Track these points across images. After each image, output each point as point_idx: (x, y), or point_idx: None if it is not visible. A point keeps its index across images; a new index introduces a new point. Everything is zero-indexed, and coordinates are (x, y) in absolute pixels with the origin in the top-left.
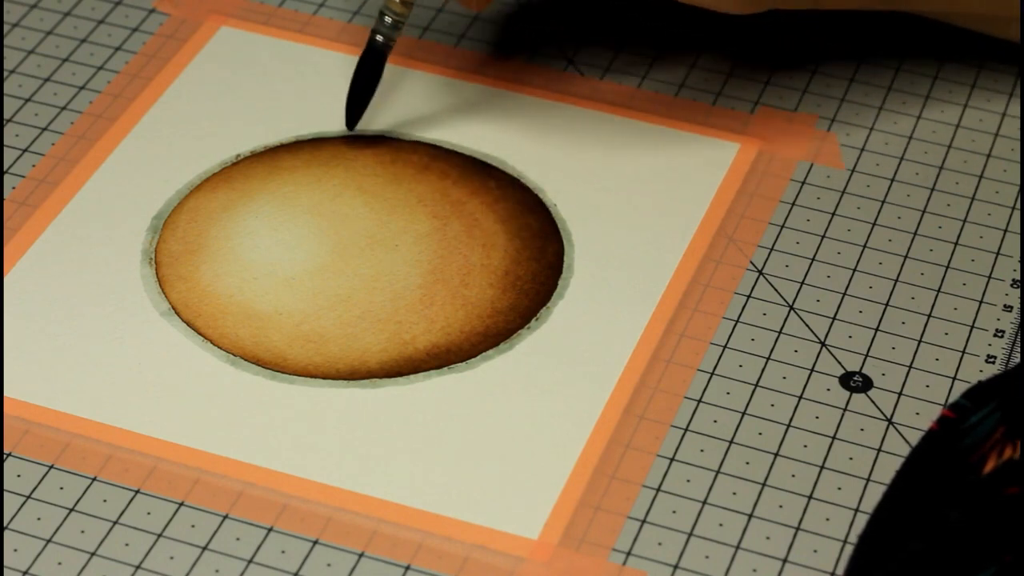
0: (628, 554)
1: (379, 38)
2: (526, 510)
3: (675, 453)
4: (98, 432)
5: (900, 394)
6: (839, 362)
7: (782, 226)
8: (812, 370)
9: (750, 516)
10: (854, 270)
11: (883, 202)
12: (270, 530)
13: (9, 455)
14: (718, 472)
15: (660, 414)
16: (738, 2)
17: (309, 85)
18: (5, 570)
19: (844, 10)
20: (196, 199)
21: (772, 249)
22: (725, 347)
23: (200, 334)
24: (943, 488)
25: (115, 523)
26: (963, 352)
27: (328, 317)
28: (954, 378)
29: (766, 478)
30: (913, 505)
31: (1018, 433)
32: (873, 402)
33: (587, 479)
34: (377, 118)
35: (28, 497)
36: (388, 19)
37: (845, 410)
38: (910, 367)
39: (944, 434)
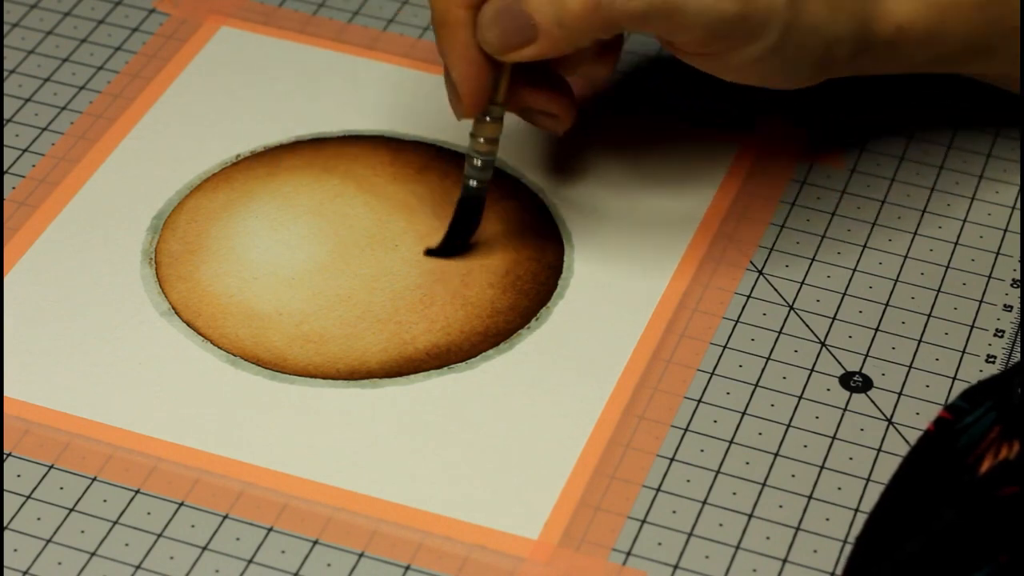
0: (628, 554)
1: (472, 183)
2: (526, 510)
3: (675, 453)
4: (98, 432)
5: (900, 394)
6: (839, 362)
7: (782, 226)
8: (812, 370)
9: (750, 516)
10: (854, 270)
11: (883, 202)
12: (270, 530)
13: (9, 455)
14: (718, 472)
15: (660, 414)
16: (797, 79)
17: (309, 85)
18: (5, 570)
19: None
20: (196, 199)
21: (772, 249)
22: (725, 347)
23: (200, 334)
24: (940, 488)
25: (115, 523)
26: (963, 352)
27: (328, 317)
28: (954, 378)
29: (766, 478)
30: (910, 505)
31: (1014, 433)
32: (873, 402)
33: (587, 479)
34: (377, 118)
35: (28, 497)
36: (477, 161)
37: (845, 410)
38: (910, 367)
39: (940, 435)
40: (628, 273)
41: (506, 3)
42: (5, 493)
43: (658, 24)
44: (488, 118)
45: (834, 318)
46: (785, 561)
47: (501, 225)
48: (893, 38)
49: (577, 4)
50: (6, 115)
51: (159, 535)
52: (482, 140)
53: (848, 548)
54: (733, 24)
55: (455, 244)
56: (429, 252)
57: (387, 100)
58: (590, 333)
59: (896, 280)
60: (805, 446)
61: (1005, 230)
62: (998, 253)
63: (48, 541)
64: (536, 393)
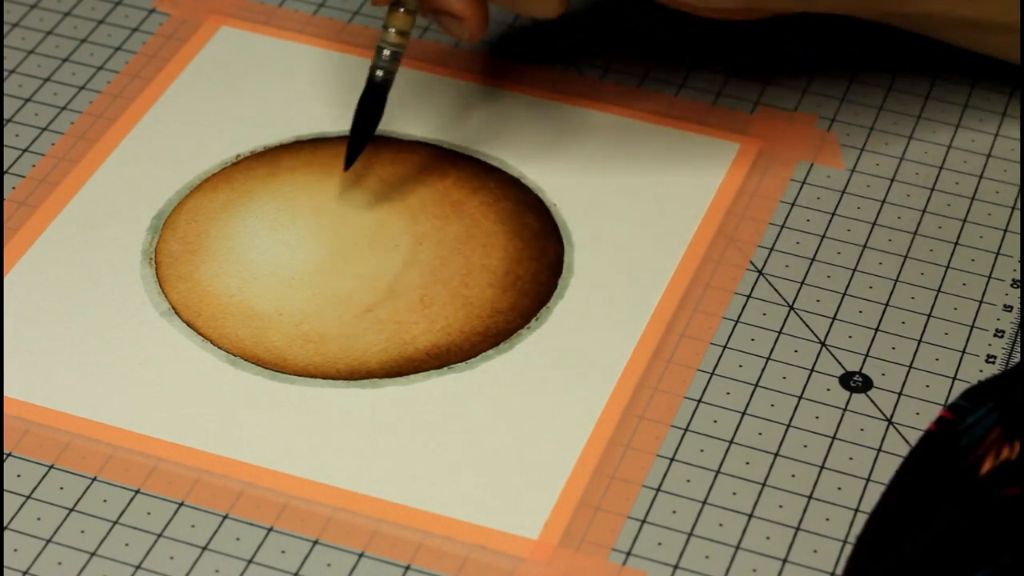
0: (628, 554)
1: (379, 73)
2: (526, 510)
3: (675, 453)
4: (98, 432)
5: (900, 394)
6: (839, 362)
7: (782, 226)
8: (812, 370)
9: (750, 516)
10: (854, 270)
11: (883, 202)
12: (270, 530)
13: (9, 455)
14: (718, 472)
15: (660, 414)
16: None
17: (309, 85)
18: (5, 570)
19: (836, 14)
20: (196, 199)
21: (772, 249)
22: (725, 347)
23: (200, 334)
24: (941, 489)
25: (115, 523)
26: (963, 352)
27: (328, 317)
28: (954, 378)
29: (766, 478)
30: (911, 506)
31: (1015, 434)
32: (873, 402)
33: (587, 479)
34: None
35: (28, 497)
36: (386, 52)
37: (845, 410)
38: (910, 367)
39: (942, 435)
40: (628, 273)
41: None
42: (5, 493)
43: None
44: (401, 9)
45: (834, 318)
46: (785, 561)
47: (501, 225)
48: None
49: None
50: (6, 115)
51: (159, 535)
52: (393, 31)
53: (848, 548)
54: None
55: (359, 136)
56: (347, 166)
57: (387, 100)
58: (590, 333)
59: (896, 280)
60: (805, 446)
61: (1005, 230)
62: (998, 253)
63: (48, 541)
64: (536, 393)
